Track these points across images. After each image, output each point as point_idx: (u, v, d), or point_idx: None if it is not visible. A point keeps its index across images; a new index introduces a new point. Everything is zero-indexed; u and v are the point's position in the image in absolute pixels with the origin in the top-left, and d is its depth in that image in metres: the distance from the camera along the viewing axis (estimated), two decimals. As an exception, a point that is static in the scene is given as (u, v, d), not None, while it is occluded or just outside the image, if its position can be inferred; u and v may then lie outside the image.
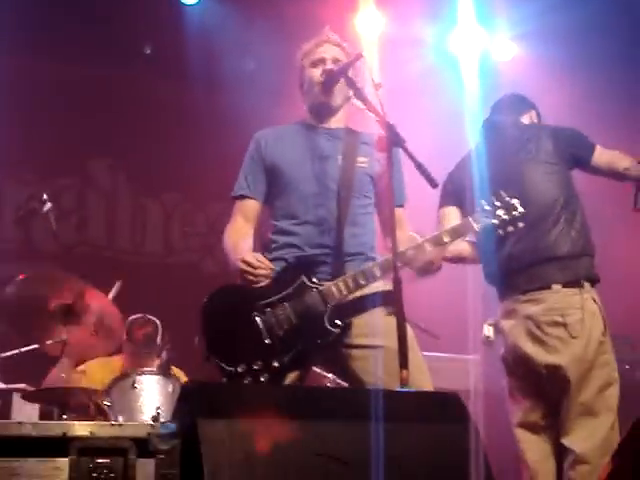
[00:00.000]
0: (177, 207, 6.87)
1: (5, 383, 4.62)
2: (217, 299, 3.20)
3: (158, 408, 3.94)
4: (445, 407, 2.47)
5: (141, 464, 2.29)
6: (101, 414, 4.16)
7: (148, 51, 6.24)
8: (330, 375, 4.52)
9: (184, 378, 4.71)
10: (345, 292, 3.11)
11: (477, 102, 4.86)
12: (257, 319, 3.10)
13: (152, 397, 4.09)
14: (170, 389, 4.08)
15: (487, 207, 3.19)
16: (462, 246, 3.77)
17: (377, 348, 3.10)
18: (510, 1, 5.74)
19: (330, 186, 3.28)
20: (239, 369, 3.04)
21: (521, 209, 3.19)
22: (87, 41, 5.99)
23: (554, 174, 3.71)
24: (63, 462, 2.26)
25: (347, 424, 2.32)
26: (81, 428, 2.32)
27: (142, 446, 2.29)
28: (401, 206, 3.38)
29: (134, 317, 5.01)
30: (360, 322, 3.17)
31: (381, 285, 3.18)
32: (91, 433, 2.31)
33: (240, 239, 3.32)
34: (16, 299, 4.38)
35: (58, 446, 2.27)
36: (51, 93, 6.20)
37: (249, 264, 3.14)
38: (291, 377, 3.10)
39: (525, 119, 3.97)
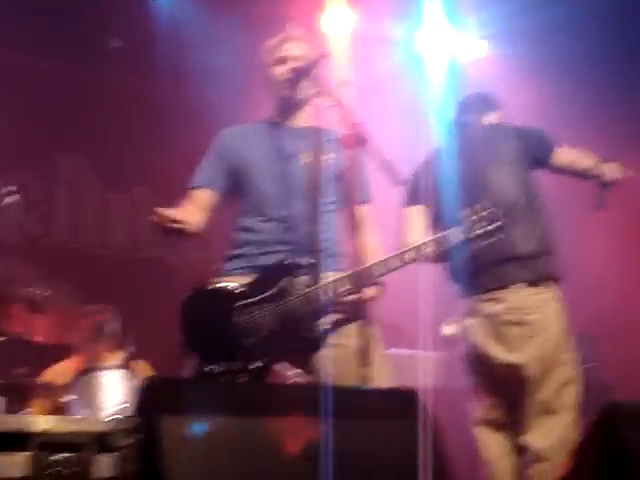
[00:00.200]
0: (145, 201, 6.84)
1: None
2: (198, 297, 3.21)
3: (121, 403, 3.94)
4: (403, 404, 2.49)
5: (101, 459, 2.29)
6: (64, 410, 4.14)
7: (117, 44, 6.20)
8: (296, 370, 4.53)
9: (149, 371, 4.72)
10: (327, 296, 3.12)
11: (444, 101, 4.88)
12: (238, 320, 3.11)
13: (115, 392, 4.08)
14: (133, 384, 4.07)
15: (473, 217, 3.17)
16: None
17: (340, 347, 3.11)
18: (479, 1, 5.76)
19: (295, 185, 3.29)
20: (218, 369, 3.05)
21: (502, 220, 3.17)
22: (56, 34, 5.94)
23: (517, 174, 3.74)
24: (23, 456, 2.25)
25: (307, 421, 2.33)
26: (42, 423, 2.32)
27: (102, 441, 2.30)
28: (367, 203, 3.40)
29: (90, 306, 4.99)
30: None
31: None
32: (51, 428, 2.30)
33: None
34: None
35: (18, 440, 2.26)
36: (19, 85, 6.14)
37: (162, 214, 3.12)
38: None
39: (490, 119, 3.99)
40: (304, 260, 3.16)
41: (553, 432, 3.50)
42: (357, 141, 2.98)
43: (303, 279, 3.16)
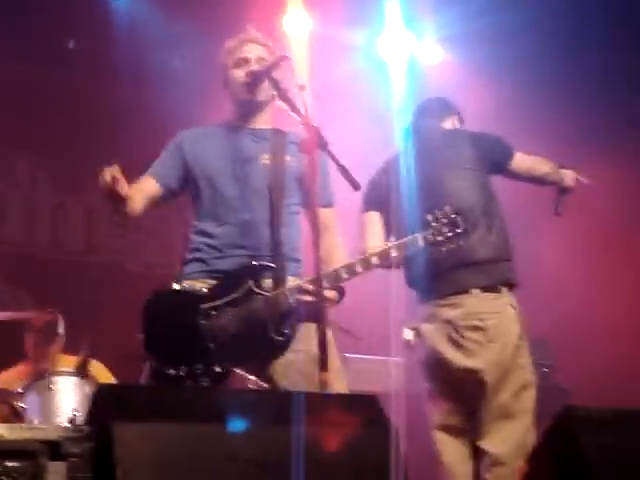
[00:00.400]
0: (100, 205, 6.76)
1: None
2: (160, 300, 3.17)
3: (75, 410, 3.88)
4: (362, 410, 2.47)
5: (52, 467, 2.24)
6: (17, 416, 4.07)
7: (72, 46, 6.13)
8: (253, 377, 4.50)
9: (106, 373, 4.67)
10: (290, 300, 3.09)
11: (404, 106, 4.89)
12: (201, 322, 3.08)
13: (69, 399, 4.03)
14: (87, 391, 4.02)
15: (435, 224, 3.18)
16: None
17: (297, 352, 3.09)
18: (436, 5, 5.77)
19: (255, 188, 3.26)
20: (180, 372, 3.02)
21: (463, 226, 3.18)
22: (13, 34, 5.86)
23: (473, 180, 3.74)
24: (-29, 465, 2.20)
25: (265, 427, 2.31)
26: (-9, 430, 2.27)
27: (54, 449, 2.24)
28: (329, 206, 3.38)
29: (37, 309, 4.94)
30: None
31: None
32: (1, 435, 2.25)
33: None
34: None
35: (-34, 448, 2.21)
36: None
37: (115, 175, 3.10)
38: None
39: (447, 124, 4.00)
40: (266, 263, 3.14)
41: (511, 436, 3.52)
42: (317, 145, 2.97)
43: (267, 282, 3.14)
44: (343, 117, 5.48)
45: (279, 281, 3.14)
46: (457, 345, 3.60)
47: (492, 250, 3.66)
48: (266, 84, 3.25)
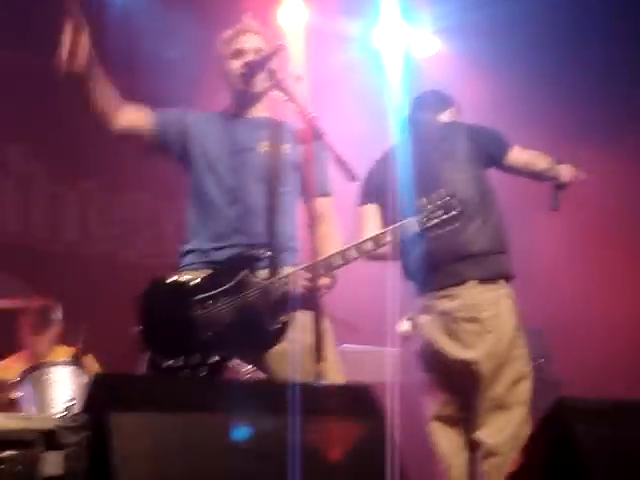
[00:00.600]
0: (94, 195, 6.75)
1: None
2: (155, 290, 3.16)
3: (70, 400, 3.88)
4: (356, 400, 2.48)
5: (49, 456, 2.24)
6: (12, 406, 4.07)
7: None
8: (249, 367, 4.51)
9: (97, 366, 4.67)
10: (285, 289, 3.09)
11: (400, 98, 4.88)
12: (197, 313, 3.08)
13: (65, 389, 4.03)
14: (83, 381, 4.02)
15: (429, 206, 3.19)
16: None
17: (292, 341, 3.09)
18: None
19: (251, 176, 3.26)
20: (177, 363, 3.02)
21: (458, 208, 3.20)
22: (5, 23, 5.83)
23: (470, 172, 3.74)
24: (-33, 454, 2.20)
25: (261, 417, 2.31)
26: (-14, 420, 2.27)
27: (50, 439, 2.24)
28: (326, 196, 3.38)
29: (32, 299, 4.94)
30: None
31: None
32: (-3, 425, 2.25)
33: None
34: None
35: (-38, 438, 2.21)
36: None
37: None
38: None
39: (444, 117, 3.99)
40: (262, 253, 3.13)
41: (506, 428, 3.53)
42: (313, 135, 2.97)
43: (262, 272, 3.14)
44: (338, 108, 5.47)
45: (275, 270, 3.14)
46: (453, 336, 3.61)
47: (489, 242, 3.66)
48: (263, 75, 3.24)
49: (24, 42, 6.00)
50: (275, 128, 3.33)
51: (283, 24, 5.25)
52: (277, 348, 3.13)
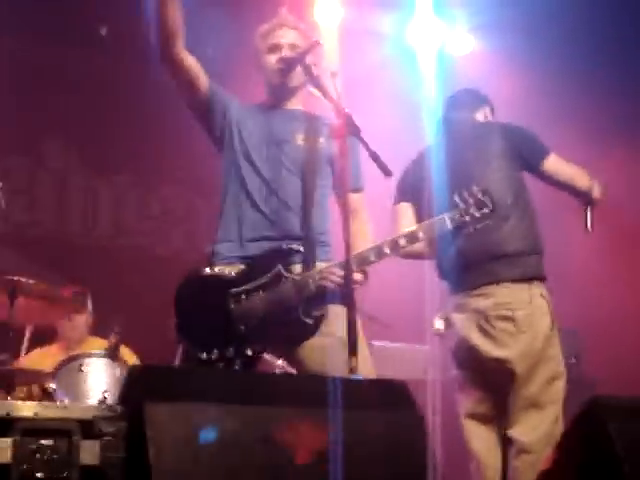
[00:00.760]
0: (130, 189, 6.81)
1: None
2: (191, 284, 3.18)
3: (105, 391, 3.92)
4: (391, 395, 2.48)
5: (86, 446, 2.27)
6: (47, 397, 4.12)
7: (104, 32, 6.15)
8: (280, 361, 4.53)
9: (133, 358, 4.70)
10: (319, 283, 3.10)
11: (434, 95, 4.88)
12: (232, 306, 3.10)
13: (99, 380, 4.06)
14: (118, 373, 4.05)
15: (462, 204, 3.19)
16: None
17: (326, 335, 3.10)
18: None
19: (288, 169, 3.26)
20: (212, 356, 3.04)
21: (490, 206, 3.20)
22: (41, 19, 5.89)
23: (506, 172, 3.70)
24: (6, 442, 2.23)
25: (296, 411, 2.32)
26: (25, 408, 2.29)
27: (87, 428, 2.27)
28: (359, 191, 3.38)
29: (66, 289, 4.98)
30: None
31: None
32: (35, 414, 2.28)
33: None
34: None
35: (1, 426, 2.23)
36: (3, 71, 6.09)
37: None
38: None
39: (479, 115, 3.97)
40: (296, 247, 3.15)
41: (539, 426, 3.51)
42: (348, 130, 2.97)
43: (297, 266, 3.15)
44: (372, 104, 5.47)
45: (308, 265, 3.15)
46: (487, 335, 3.59)
47: (523, 243, 3.64)
48: (298, 70, 3.25)
49: (60, 35, 6.06)
50: (310, 121, 3.34)
51: (318, 20, 5.26)
52: (309, 342, 3.14)
